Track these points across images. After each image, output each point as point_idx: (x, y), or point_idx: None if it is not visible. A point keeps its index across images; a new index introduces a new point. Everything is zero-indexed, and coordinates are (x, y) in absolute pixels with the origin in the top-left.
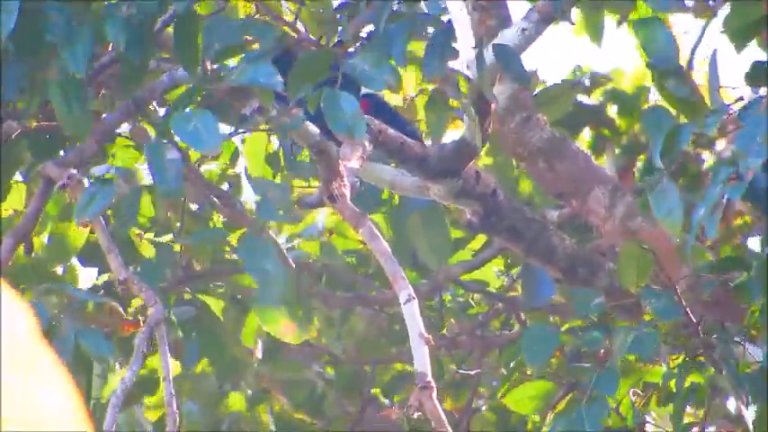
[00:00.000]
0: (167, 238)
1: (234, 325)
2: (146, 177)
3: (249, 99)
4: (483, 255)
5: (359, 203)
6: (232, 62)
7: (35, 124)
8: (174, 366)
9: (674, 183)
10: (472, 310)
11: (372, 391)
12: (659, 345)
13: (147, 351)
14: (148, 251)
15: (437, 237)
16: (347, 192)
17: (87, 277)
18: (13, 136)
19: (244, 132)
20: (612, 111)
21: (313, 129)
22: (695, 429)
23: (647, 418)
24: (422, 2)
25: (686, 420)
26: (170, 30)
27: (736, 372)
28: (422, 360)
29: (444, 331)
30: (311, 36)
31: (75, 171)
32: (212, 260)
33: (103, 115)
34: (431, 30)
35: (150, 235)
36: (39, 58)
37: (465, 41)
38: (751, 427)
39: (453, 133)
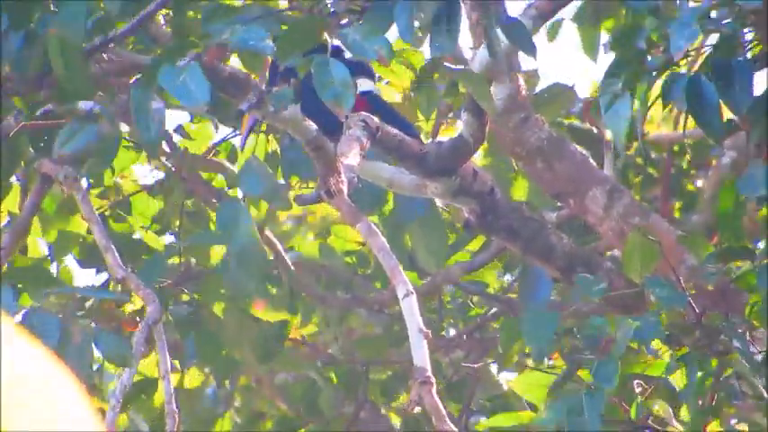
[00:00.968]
0: (166, 238)
1: (232, 325)
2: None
3: (246, 94)
4: (482, 256)
5: (356, 200)
6: None
7: (32, 122)
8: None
9: (627, 90)
10: (471, 312)
11: (370, 391)
12: (662, 330)
13: (144, 351)
14: (156, 244)
15: (435, 240)
16: (344, 188)
17: (83, 278)
18: (11, 134)
19: (236, 134)
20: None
21: (310, 124)
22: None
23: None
24: None
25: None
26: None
27: (750, 356)
28: (421, 355)
29: (443, 333)
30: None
31: (70, 168)
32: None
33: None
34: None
35: (149, 234)
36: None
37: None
38: None
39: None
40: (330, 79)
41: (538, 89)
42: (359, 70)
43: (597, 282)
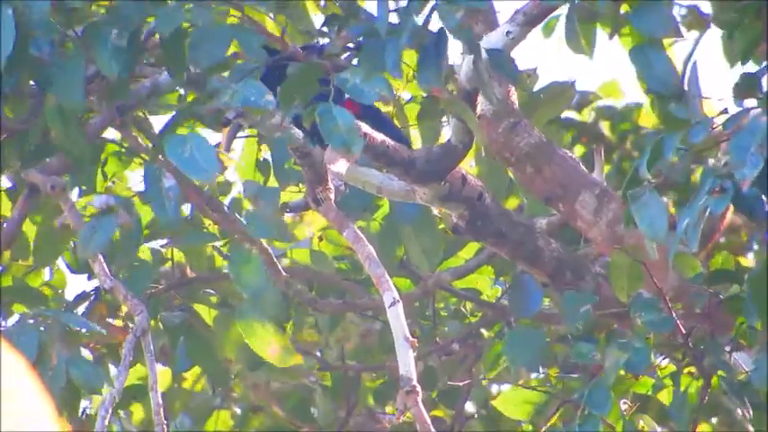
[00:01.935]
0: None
1: (224, 332)
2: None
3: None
4: (472, 260)
5: (344, 207)
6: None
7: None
8: (165, 374)
9: (657, 193)
10: (465, 319)
11: (362, 396)
12: (651, 359)
13: (134, 359)
14: (143, 253)
15: (429, 240)
16: (332, 195)
17: (77, 282)
18: None
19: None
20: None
21: (297, 132)
22: None
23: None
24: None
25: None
26: (155, 38)
27: (732, 380)
28: (407, 363)
29: (437, 339)
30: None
31: (59, 178)
32: (206, 267)
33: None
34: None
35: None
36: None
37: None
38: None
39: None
40: (336, 126)
41: (536, 88)
42: None
43: (585, 297)
